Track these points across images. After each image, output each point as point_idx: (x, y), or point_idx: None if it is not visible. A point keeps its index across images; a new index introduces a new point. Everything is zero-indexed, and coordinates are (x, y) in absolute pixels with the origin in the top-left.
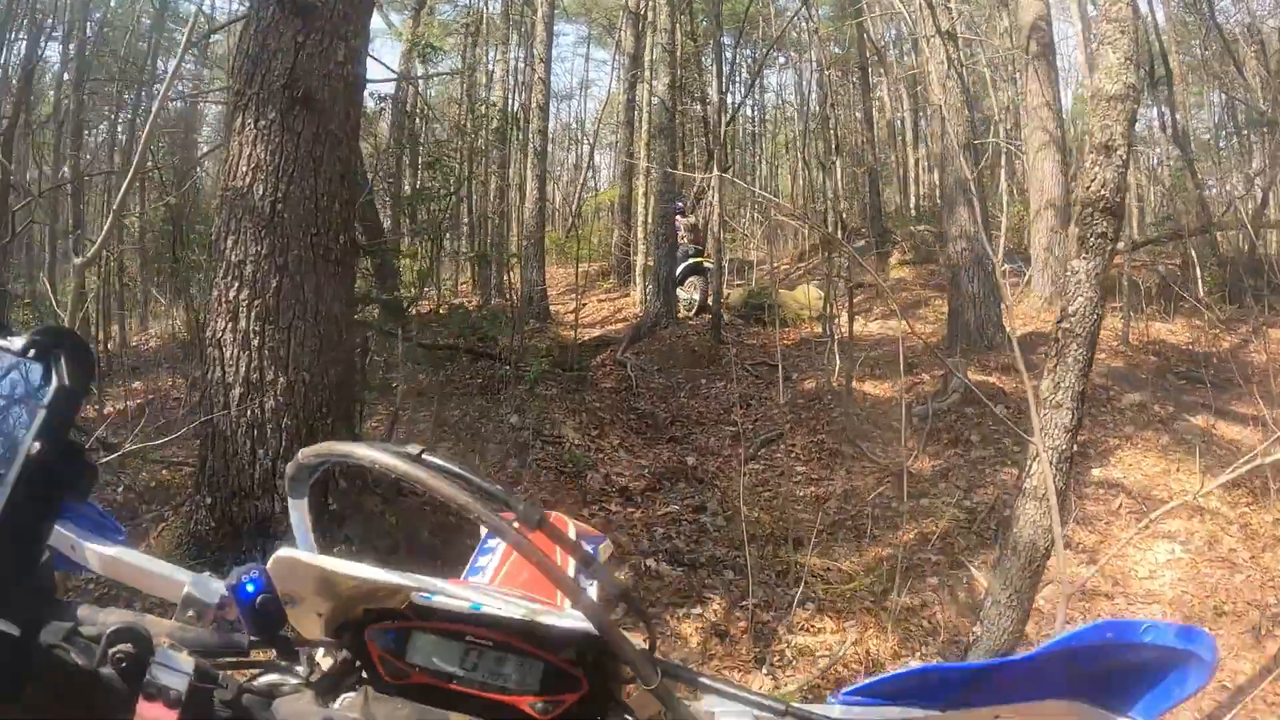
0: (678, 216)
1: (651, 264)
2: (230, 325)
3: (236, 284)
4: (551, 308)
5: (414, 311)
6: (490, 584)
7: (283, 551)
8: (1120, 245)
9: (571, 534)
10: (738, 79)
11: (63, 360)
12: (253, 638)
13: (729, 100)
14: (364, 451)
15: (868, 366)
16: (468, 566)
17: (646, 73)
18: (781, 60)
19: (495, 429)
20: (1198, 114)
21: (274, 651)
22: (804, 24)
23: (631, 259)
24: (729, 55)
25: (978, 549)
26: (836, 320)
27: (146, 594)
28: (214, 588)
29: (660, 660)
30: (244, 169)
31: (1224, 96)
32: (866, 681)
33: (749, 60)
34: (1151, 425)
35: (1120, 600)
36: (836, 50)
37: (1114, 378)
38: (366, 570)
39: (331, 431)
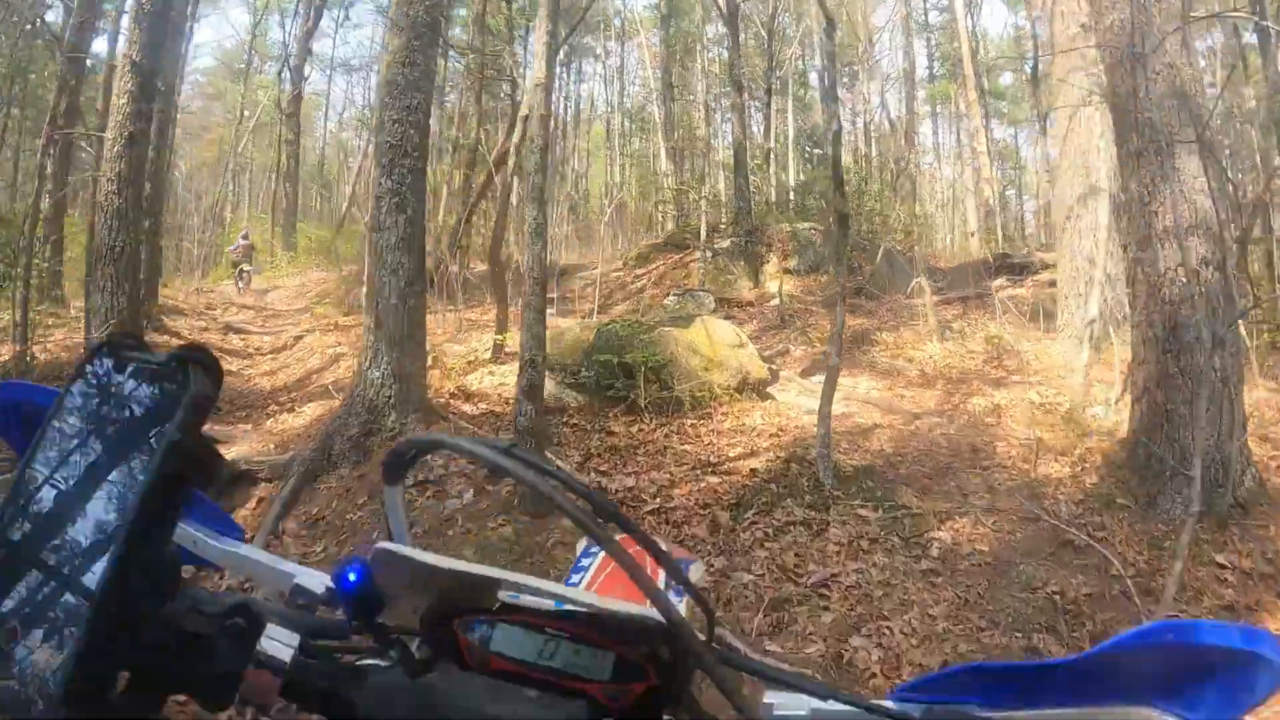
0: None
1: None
2: None
3: None
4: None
5: None
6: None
7: (383, 544)
8: None
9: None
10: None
11: (198, 371)
12: (352, 623)
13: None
14: (459, 443)
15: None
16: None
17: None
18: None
19: None
20: None
21: (370, 637)
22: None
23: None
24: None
25: None
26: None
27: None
28: (319, 579)
29: (723, 651)
30: None
31: None
32: (919, 678)
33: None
34: None
35: None
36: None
37: None
38: (459, 565)
39: None
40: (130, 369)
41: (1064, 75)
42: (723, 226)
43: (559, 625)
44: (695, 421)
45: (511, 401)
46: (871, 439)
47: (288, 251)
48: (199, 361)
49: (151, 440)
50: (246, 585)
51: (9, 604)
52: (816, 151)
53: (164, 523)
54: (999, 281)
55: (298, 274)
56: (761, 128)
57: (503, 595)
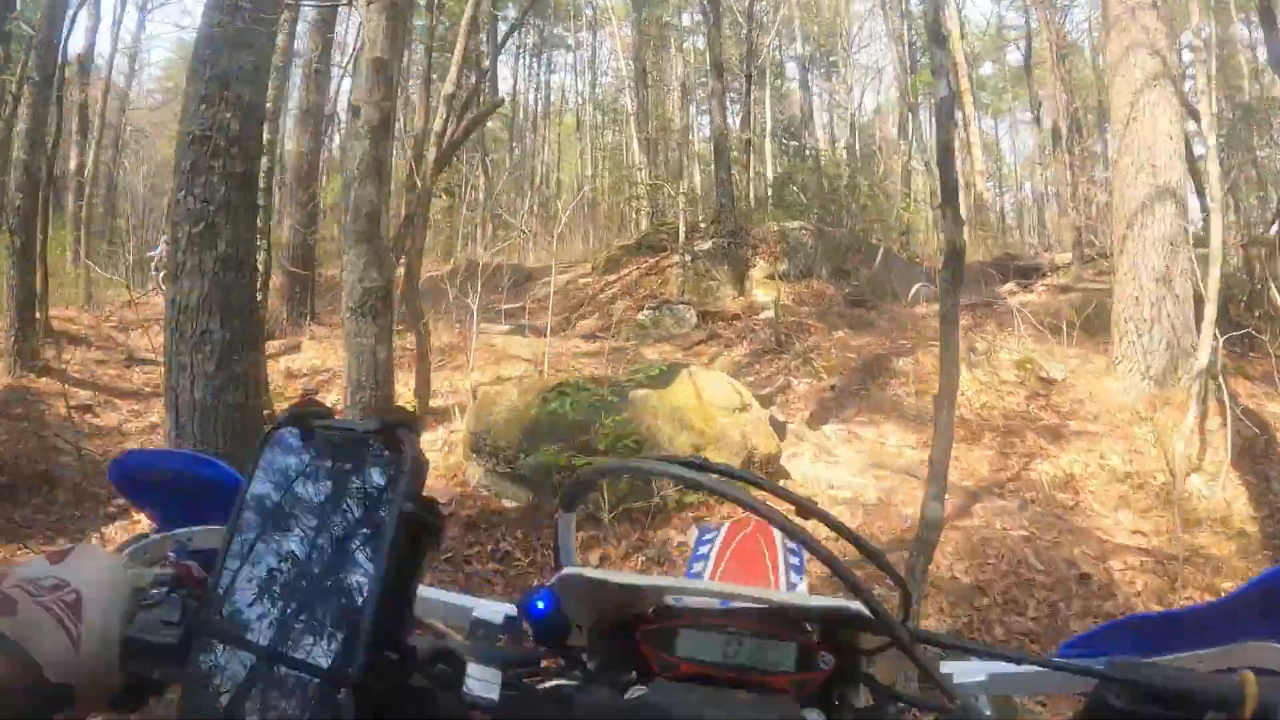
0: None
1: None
2: None
3: None
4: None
5: None
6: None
7: (568, 570)
8: None
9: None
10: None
11: (408, 435)
12: (542, 648)
13: None
14: (643, 464)
15: None
16: (685, 571)
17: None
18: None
19: None
20: None
21: (559, 659)
22: None
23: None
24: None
25: None
26: None
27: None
28: (497, 609)
29: (918, 630)
30: None
31: None
32: (1083, 634)
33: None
34: None
35: None
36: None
37: None
38: (634, 578)
39: None
40: (324, 438)
41: (1122, 54)
42: (702, 226)
43: (738, 623)
44: (682, 537)
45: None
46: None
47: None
48: (405, 425)
49: (369, 509)
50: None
51: (226, 685)
52: (793, 144)
53: (405, 593)
54: (1008, 286)
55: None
56: (739, 118)
57: (668, 600)
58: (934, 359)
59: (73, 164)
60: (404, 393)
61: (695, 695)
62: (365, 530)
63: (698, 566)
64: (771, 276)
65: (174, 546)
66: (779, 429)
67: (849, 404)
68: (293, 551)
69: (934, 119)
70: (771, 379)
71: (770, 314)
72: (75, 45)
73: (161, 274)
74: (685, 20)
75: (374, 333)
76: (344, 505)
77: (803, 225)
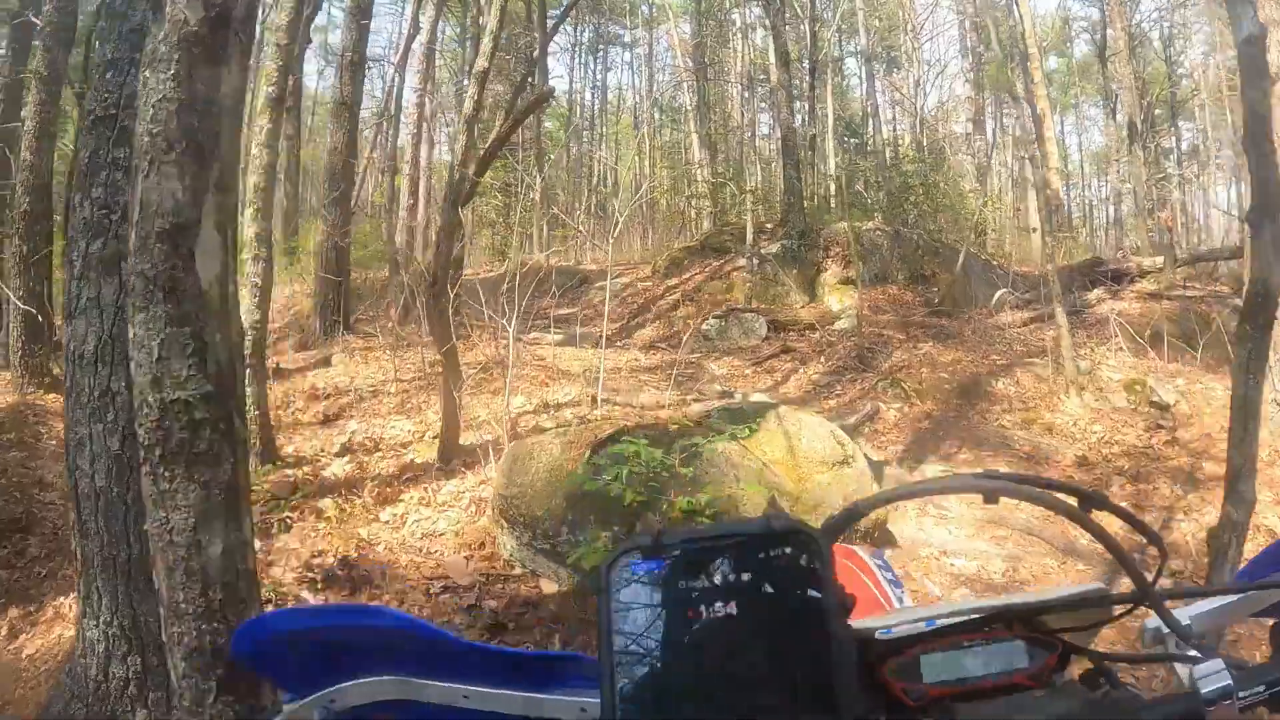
0: None
1: None
2: None
3: None
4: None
5: None
6: None
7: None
8: None
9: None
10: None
11: (806, 539)
12: None
13: None
14: (926, 486)
15: None
16: None
17: None
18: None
19: None
20: None
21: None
22: None
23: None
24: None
25: None
26: None
27: None
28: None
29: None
30: None
31: None
32: (1254, 559)
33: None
34: None
35: None
36: None
37: None
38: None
39: None
40: (687, 553)
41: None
42: (768, 227)
43: (965, 637)
44: None
45: (443, 595)
46: None
47: (286, 257)
48: (797, 530)
49: (790, 629)
50: None
51: None
52: (854, 141)
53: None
54: (1096, 293)
55: (293, 282)
56: (803, 114)
57: (877, 634)
58: (1035, 380)
59: None
60: (428, 424)
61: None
62: (791, 654)
63: None
64: (845, 281)
65: (321, 713)
66: (876, 472)
67: (948, 436)
68: (704, 684)
69: (1241, 77)
70: (856, 403)
71: (846, 324)
72: None
73: None
74: (744, 17)
75: (197, 505)
76: (752, 624)
77: (878, 226)
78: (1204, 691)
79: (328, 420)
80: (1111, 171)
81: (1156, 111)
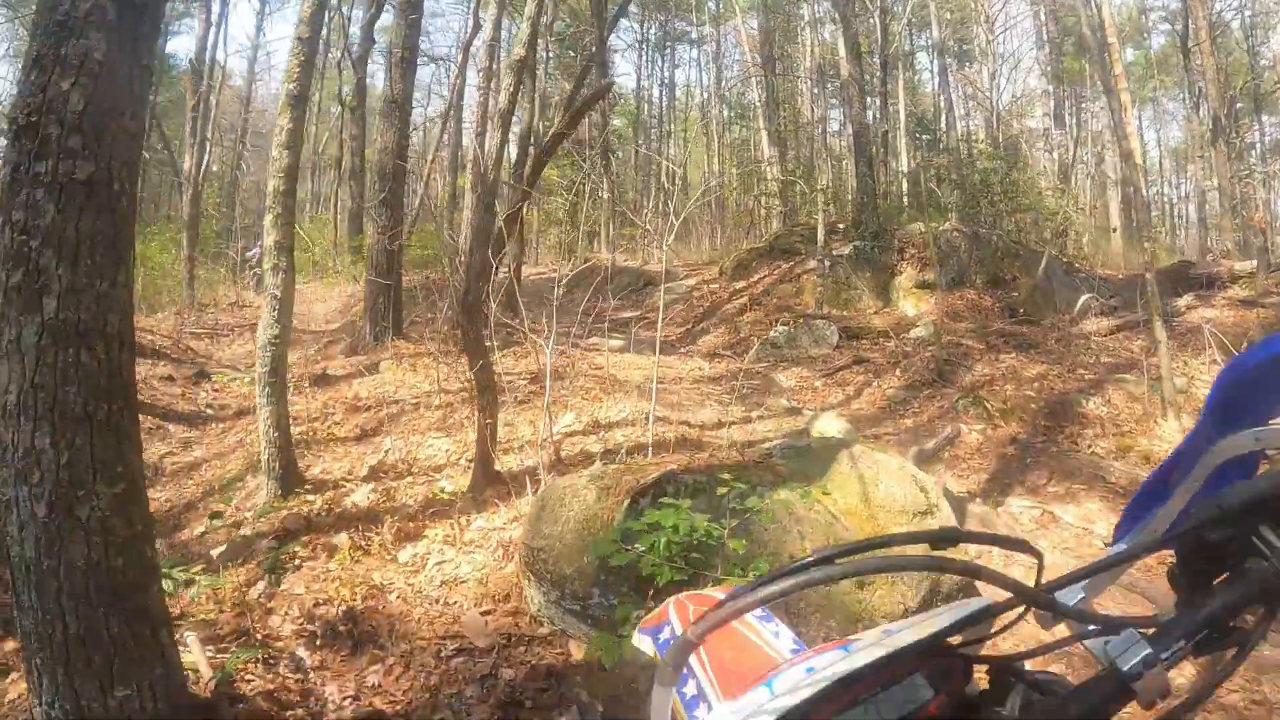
0: None
1: None
2: None
3: None
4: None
5: None
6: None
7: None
8: None
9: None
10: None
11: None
12: None
13: None
14: (783, 586)
15: None
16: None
17: None
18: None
19: None
20: None
21: None
22: None
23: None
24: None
25: None
26: None
27: None
28: None
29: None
30: None
31: None
32: (1119, 523)
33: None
34: None
35: None
36: None
37: None
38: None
39: None
40: None
41: None
42: (840, 227)
43: (863, 689)
44: None
45: (456, 659)
46: None
47: (350, 255)
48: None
49: None
50: None
51: None
52: (926, 138)
53: None
54: (1186, 299)
55: (355, 281)
56: (875, 109)
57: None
58: (1127, 399)
59: (187, 165)
60: (467, 444)
61: None
62: None
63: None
64: (921, 286)
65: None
66: (957, 508)
67: (1036, 465)
68: None
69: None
70: (935, 423)
71: (922, 332)
72: (185, 48)
73: (258, 279)
74: (813, 10)
75: None
76: None
77: (955, 227)
78: (1127, 667)
79: (364, 435)
80: (1193, 168)
81: (1238, 105)
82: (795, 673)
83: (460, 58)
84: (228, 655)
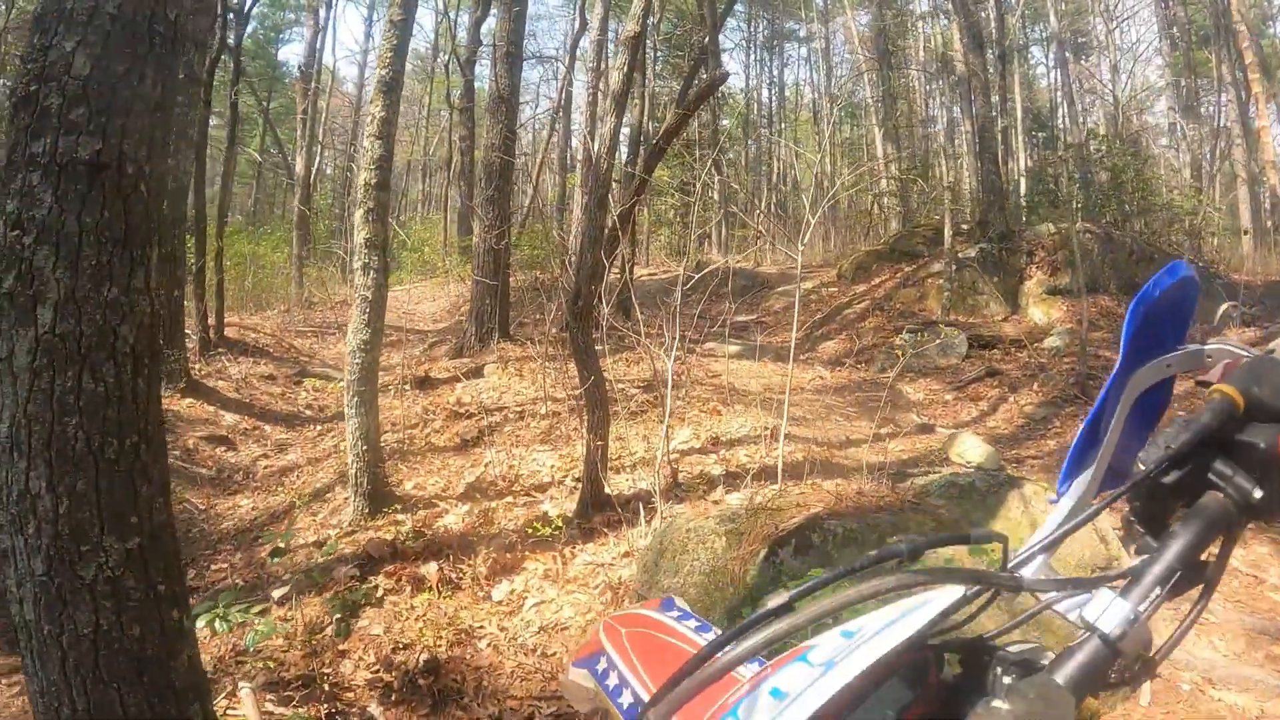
0: None
1: None
2: None
3: None
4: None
5: None
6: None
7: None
8: None
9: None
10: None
11: None
12: None
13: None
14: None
15: None
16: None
17: None
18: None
19: None
20: None
21: None
22: None
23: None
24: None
25: None
26: None
27: None
28: None
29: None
30: None
31: None
32: (1060, 478)
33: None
34: None
35: None
36: None
37: None
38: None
39: None
40: None
41: None
42: (964, 228)
43: (840, 709)
44: None
45: None
46: None
47: (459, 255)
48: None
49: None
50: None
51: None
52: (1042, 134)
53: None
54: None
55: (465, 280)
56: (996, 105)
57: None
58: None
59: (299, 167)
60: (574, 460)
61: None
62: None
63: (624, 698)
64: (1053, 291)
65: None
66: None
67: None
68: None
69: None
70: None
71: (1057, 341)
72: (294, 54)
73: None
74: (927, 3)
75: None
76: None
77: (1087, 228)
78: (1109, 629)
79: (464, 445)
80: None
81: None
82: (763, 702)
83: (568, 57)
84: (287, 713)
